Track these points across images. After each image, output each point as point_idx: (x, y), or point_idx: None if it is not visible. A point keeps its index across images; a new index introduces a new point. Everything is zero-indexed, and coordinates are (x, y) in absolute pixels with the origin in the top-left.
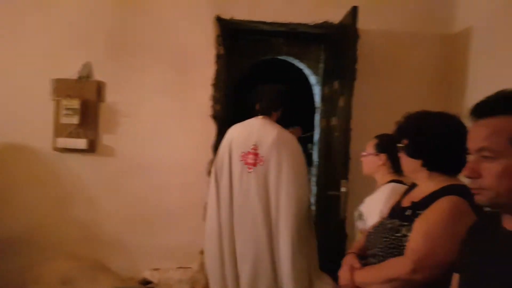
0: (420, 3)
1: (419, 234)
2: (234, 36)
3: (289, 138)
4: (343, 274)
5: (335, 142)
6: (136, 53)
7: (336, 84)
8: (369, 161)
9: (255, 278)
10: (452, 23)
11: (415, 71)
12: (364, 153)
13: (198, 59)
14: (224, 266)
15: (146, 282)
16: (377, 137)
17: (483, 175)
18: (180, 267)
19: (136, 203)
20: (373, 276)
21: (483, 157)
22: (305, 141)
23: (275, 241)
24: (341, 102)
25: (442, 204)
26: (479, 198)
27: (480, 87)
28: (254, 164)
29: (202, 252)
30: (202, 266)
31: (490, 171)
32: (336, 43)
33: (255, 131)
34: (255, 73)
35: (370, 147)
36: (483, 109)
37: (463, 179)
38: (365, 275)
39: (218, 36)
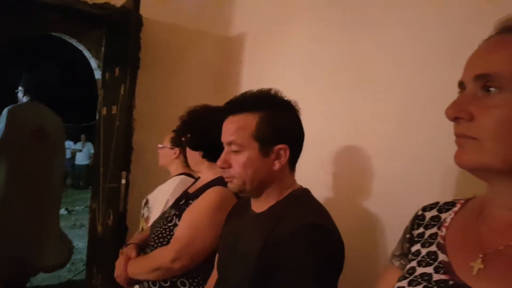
0: (204, 3)
1: (184, 223)
2: None
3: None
4: (117, 264)
5: (116, 132)
6: None
7: (117, 71)
8: (164, 153)
9: None
10: (230, 27)
11: (200, 67)
12: (160, 146)
13: None
14: None
15: None
16: (174, 131)
17: (232, 165)
18: None
19: None
20: (141, 266)
21: (232, 150)
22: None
23: None
24: (122, 90)
25: (208, 195)
26: (231, 186)
27: (252, 86)
28: None
29: None
30: None
31: (237, 162)
32: (118, 28)
33: None
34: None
35: (166, 140)
36: (232, 107)
37: None
38: (135, 265)
39: None
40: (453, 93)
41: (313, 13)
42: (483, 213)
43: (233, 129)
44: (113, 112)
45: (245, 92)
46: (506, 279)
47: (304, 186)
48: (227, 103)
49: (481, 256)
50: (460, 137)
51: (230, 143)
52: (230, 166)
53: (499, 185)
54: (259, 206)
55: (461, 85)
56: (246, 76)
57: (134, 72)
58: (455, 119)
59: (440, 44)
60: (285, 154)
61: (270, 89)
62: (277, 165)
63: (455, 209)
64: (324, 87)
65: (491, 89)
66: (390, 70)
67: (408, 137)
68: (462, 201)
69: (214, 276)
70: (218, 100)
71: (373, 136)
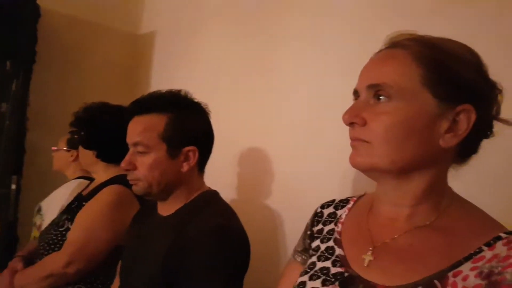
0: None
1: (77, 226)
2: None
3: None
4: (1, 279)
5: (6, 132)
6: None
7: (8, 65)
8: (60, 156)
9: None
10: (139, 24)
11: (105, 64)
12: (54, 148)
13: None
14: None
15: None
16: (70, 132)
17: (138, 167)
18: None
19: None
20: (30, 275)
21: (138, 151)
22: None
23: None
24: (14, 86)
25: (103, 193)
26: (136, 189)
27: (162, 86)
28: None
29: None
30: None
31: (143, 163)
32: (11, 18)
33: None
34: None
35: (62, 142)
36: (139, 107)
37: None
38: (23, 276)
39: None
40: (350, 100)
41: (223, 16)
42: (372, 209)
43: (139, 129)
44: (2, 110)
45: (154, 92)
46: (391, 268)
47: (214, 187)
48: (133, 103)
49: (371, 249)
50: (354, 140)
51: (136, 144)
52: (135, 168)
53: (386, 183)
54: (166, 209)
55: (356, 93)
56: (156, 76)
57: (28, 67)
58: (350, 124)
59: (343, 54)
60: (194, 156)
61: (180, 90)
62: (185, 167)
63: (349, 205)
64: (234, 90)
65: (381, 97)
66: (297, 74)
67: (312, 140)
68: (355, 198)
69: (116, 284)
70: (125, 100)
71: (279, 138)
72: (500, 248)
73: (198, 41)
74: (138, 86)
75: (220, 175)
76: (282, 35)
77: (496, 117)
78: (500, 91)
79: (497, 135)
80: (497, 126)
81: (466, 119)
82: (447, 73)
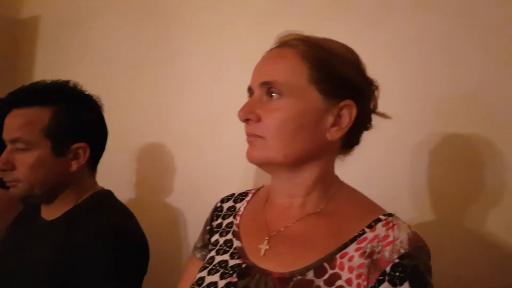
0: None
1: None
2: None
3: None
4: None
5: None
6: None
7: None
8: None
9: None
10: (21, 8)
11: None
12: None
13: None
14: None
15: None
16: None
17: (17, 166)
18: None
19: None
20: None
21: (17, 149)
22: None
23: None
24: None
25: None
26: (15, 191)
27: (47, 76)
28: None
29: None
30: None
31: (23, 162)
32: None
33: None
34: None
35: None
36: (19, 99)
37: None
38: None
39: None
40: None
41: (119, 5)
42: (269, 200)
43: (18, 124)
44: None
45: (37, 82)
46: (285, 255)
47: (109, 187)
48: (11, 94)
49: (267, 238)
50: (250, 136)
51: (14, 141)
52: (13, 168)
53: (280, 176)
54: (51, 213)
55: (250, 90)
56: (40, 66)
57: None
58: (245, 120)
59: (246, 49)
60: (84, 154)
61: (67, 81)
62: (74, 166)
63: (248, 198)
64: (131, 82)
65: (273, 94)
66: (198, 68)
67: (213, 135)
68: (253, 191)
69: None
70: (3, 92)
71: (180, 133)
72: (380, 229)
73: (89, 28)
74: (19, 77)
75: (115, 173)
76: (183, 25)
77: (374, 111)
78: (377, 88)
79: (375, 128)
80: (375, 119)
81: (348, 113)
82: (330, 71)
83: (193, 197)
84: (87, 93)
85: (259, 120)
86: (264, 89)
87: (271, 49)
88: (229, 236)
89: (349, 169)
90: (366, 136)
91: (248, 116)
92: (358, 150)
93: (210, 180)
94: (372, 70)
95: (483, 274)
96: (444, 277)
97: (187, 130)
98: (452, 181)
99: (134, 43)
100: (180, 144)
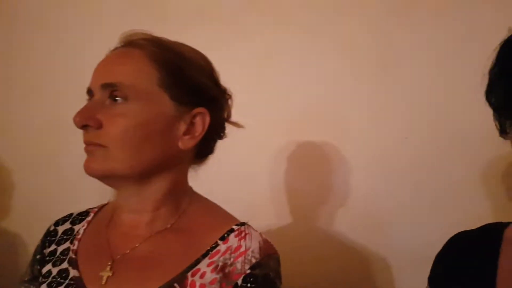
0: None
1: None
2: None
3: None
4: None
5: None
6: None
7: None
8: None
9: None
10: None
11: None
12: None
13: None
14: None
15: None
16: None
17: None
18: None
19: None
20: None
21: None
22: None
23: None
24: None
25: None
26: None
27: None
28: None
29: None
30: None
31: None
32: None
33: None
34: None
35: None
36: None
37: None
38: None
39: None
40: None
41: None
42: (113, 219)
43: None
44: None
45: None
46: (131, 281)
47: None
48: None
49: (109, 263)
50: (89, 145)
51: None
52: (100, 125)
53: (125, 190)
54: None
55: (90, 92)
56: None
57: None
58: (83, 126)
59: None
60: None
61: None
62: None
63: (89, 218)
64: None
65: (118, 98)
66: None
67: (61, 146)
68: (96, 209)
69: None
70: None
71: (21, 144)
72: (232, 240)
73: None
74: None
75: None
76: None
77: (228, 119)
78: (230, 96)
79: (232, 135)
80: (229, 128)
81: (201, 121)
82: (183, 77)
83: (34, 218)
84: None
85: (100, 126)
86: (107, 91)
87: (115, 48)
88: (65, 265)
89: (208, 179)
90: (225, 144)
91: (87, 122)
92: (216, 159)
93: (58, 197)
94: (232, 81)
95: (335, 271)
96: (303, 276)
97: (30, 140)
98: (307, 185)
99: None
100: (21, 156)
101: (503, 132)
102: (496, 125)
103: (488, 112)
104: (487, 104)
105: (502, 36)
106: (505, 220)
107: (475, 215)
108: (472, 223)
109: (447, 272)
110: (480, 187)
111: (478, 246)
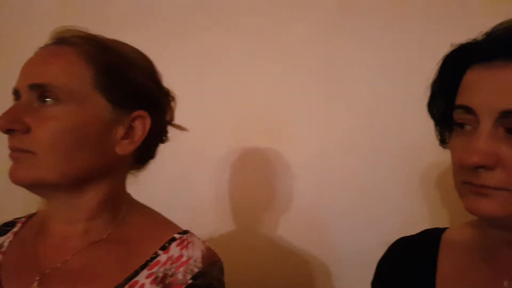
0: None
1: None
2: None
3: None
4: None
5: None
6: None
7: None
8: None
9: None
10: None
11: None
12: None
13: None
14: None
15: None
16: None
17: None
18: None
19: None
20: None
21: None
22: None
23: None
24: None
25: None
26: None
27: None
28: None
29: None
30: None
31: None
32: None
33: None
34: None
35: None
36: None
37: None
38: None
39: None
40: None
41: None
42: (42, 230)
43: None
44: None
45: None
46: None
47: None
48: None
49: (37, 279)
50: (15, 151)
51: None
52: (27, 129)
53: (57, 199)
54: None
55: (17, 93)
56: None
57: None
58: (8, 131)
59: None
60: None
61: None
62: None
63: (15, 229)
64: None
65: (48, 100)
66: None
67: None
68: (23, 219)
69: None
70: None
71: None
72: (174, 249)
73: None
74: None
75: None
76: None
77: (170, 122)
78: (173, 98)
79: (173, 140)
80: (172, 131)
81: (141, 125)
82: (120, 77)
83: None
84: None
85: (27, 130)
86: (36, 93)
87: (46, 45)
88: None
89: (148, 185)
90: (167, 150)
91: (12, 125)
92: (158, 165)
93: None
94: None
95: (279, 276)
96: (247, 283)
97: None
98: (251, 191)
99: None
100: None
101: (443, 142)
102: (436, 135)
103: (430, 122)
104: (429, 115)
105: (445, 50)
106: (440, 225)
107: (413, 220)
108: (413, 228)
109: (389, 277)
110: (420, 193)
111: (418, 251)
